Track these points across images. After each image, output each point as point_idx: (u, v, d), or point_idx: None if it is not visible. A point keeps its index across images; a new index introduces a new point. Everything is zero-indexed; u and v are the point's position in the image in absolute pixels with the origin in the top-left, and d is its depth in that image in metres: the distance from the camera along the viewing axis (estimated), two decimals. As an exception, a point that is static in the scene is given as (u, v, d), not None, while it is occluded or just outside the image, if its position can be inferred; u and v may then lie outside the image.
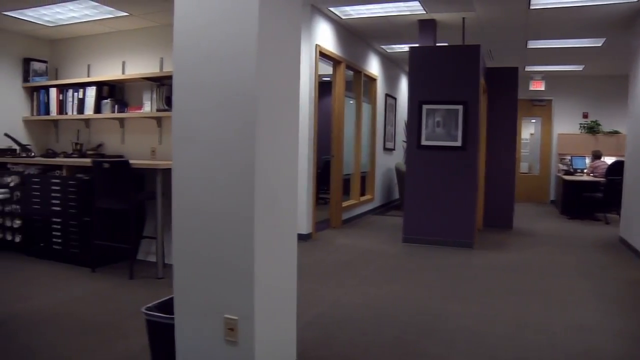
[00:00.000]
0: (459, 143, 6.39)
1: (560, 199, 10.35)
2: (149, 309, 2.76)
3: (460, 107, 6.36)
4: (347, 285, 4.71)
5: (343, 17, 7.04)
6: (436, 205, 6.57)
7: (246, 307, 2.34)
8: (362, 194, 9.28)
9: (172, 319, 2.60)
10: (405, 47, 8.78)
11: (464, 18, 6.81)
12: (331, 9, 6.66)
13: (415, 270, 5.33)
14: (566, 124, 11.75)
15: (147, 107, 5.71)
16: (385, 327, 3.63)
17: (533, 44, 8.29)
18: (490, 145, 8.12)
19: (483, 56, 6.88)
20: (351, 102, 8.65)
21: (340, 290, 4.54)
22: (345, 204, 8.24)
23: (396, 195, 11.15)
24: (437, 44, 7.17)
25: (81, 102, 6.14)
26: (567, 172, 10.34)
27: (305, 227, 6.66)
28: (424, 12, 6.63)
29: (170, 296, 2.72)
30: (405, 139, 11.05)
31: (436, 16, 6.83)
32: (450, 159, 6.45)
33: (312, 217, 6.84)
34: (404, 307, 4.10)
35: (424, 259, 5.87)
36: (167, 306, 2.77)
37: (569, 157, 10.94)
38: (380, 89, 9.77)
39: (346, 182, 8.46)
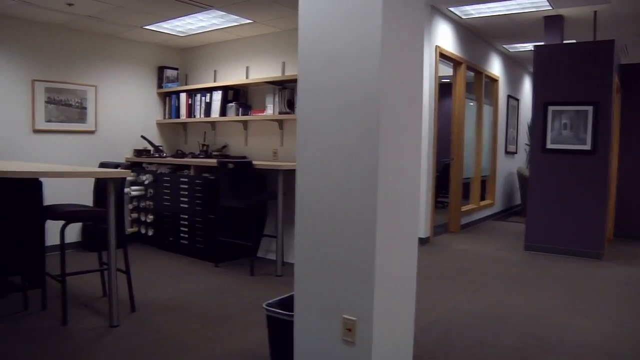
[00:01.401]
0: (588, 146, 6.02)
1: None
2: (269, 305, 2.86)
3: (590, 108, 5.98)
4: (465, 292, 4.59)
5: (463, 17, 6.88)
6: (562, 211, 6.23)
7: (365, 309, 2.35)
8: (482, 198, 9.01)
9: (292, 316, 2.66)
10: (529, 46, 8.42)
11: (595, 12, 6.39)
12: (451, 9, 6.53)
13: (537, 279, 5.09)
14: None
15: (270, 110, 5.91)
16: (505, 337, 3.50)
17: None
18: (623, 148, 7.56)
19: (617, 52, 6.42)
20: (471, 103, 8.42)
21: (458, 297, 4.44)
22: (464, 208, 8.04)
23: (518, 201, 10.70)
24: (565, 42, 6.80)
25: (208, 106, 6.49)
26: None
27: (423, 230, 6.57)
28: (550, 8, 6.31)
29: (291, 293, 2.79)
30: (528, 142, 10.59)
31: (564, 11, 6.47)
32: (578, 163, 6.10)
33: (431, 221, 6.74)
34: (525, 317, 3.93)
35: (547, 268, 5.58)
36: (287, 303, 2.85)
37: None
38: (502, 90, 9.42)
39: (466, 186, 8.25)
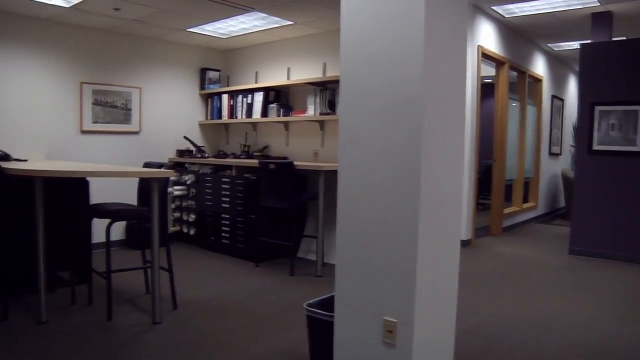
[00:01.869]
0: (637, 148, 5.84)
1: None
2: (310, 305, 2.87)
3: None
4: (507, 296, 4.51)
5: (506, 16, 6.77)
6: (609, 215, 6.06)
7: (406, 311, 2.33)
8: (525, 200, 8.84)
9: (332, 316, 2.67)
10: (575, 45, 8.22)
11: (646, 8, 6.18)
12: (494, 7, 6.43)
13: (583, 285, 4.96)
14: None
15: (311, 111, 5.93)
16: (548, 343, 3.42)
17: None
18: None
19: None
20: (514, 104, 8.27)
21: (500, 300, 4.37)
22: (506, 210, 7.90)
23: (562, 203, 10.47)
24: (614, 39, 6.61)
25: (249, 107, 6.55)
26: None
27: (464, 232, 6.49)
28: (598, 4, 6.13)
29: (331, 294, 2.80)
30: (573, 144, 10.35)
31: (613, 7, 6.28)
32: (627, 165, 5.92)
33: (472, 223, 6.65)
34: (570, 323, 3.83)
35: (593, 273, 5.43)
36: (327, 304, 2.86)
37: None
38: (546, 90, 9.23)
39: (508, 188, 8.12)
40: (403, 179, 2.31)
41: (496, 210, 7.58)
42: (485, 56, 6.81)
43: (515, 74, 8.10)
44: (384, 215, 2.39)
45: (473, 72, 6.43)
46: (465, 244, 6.50)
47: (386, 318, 2.41)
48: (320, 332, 2.77)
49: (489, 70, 7.78)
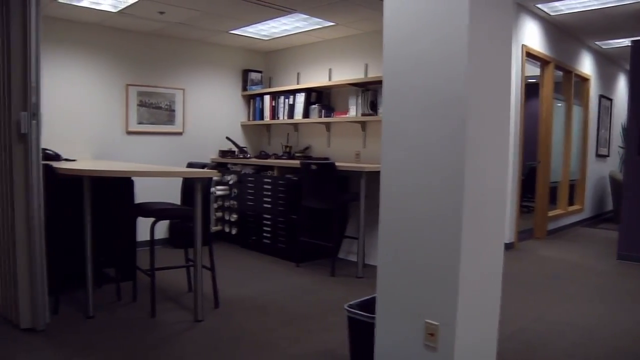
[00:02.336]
0: (690, 149, 5.64)
1: None
2: (351, 306, 2.86)
3: (692, 109, 5.61)
4: (551, 301, 4.41)
5: (552, 14, 6.62)
6: (660, 218, 5.87)
7: (448, 314, 2.31)
8: (571, 203, 8.64)
9: (373, 318, 2.66)
10: (625, 42, 7.97)
11: None
12: (539, 5, 6.29)
13: (632, 291, 4.80)
14: None
15: (352, 112, 5.93)
16: (594, 351, 3.33)
17: None
18: None
19: None
20: (559, 104, 8.09)
21: (544, 306, 4.27)
22: (551, 213, 7.73)
23: (610, 207, 10.17)
24: (666, 37, 6.39)
25: (291, 108, 6.59)
26: None
27: (507, 235, 6.38)
28: (652, 0, 5.92)
29: (372, 295, 2.79)
30: (622, 145, 10.05)
31: (667, 4, 6.06)
32: (679, 167, 5.72)
33: (515, 226, 6.53)
34: (617, 331, 3.71)
35: (643, 277, 5.27)
36: (368, 305, 2.85)
37: None
38: (594, 89, 8.99)
39: (553, 190, 7.94)
40: (447, 180, 2.29)
41: (540, 213, 7.42)
42: (530, 55, 6.68)
43: (560, 73, 7.92)
44: (427, 217, 2.37)
45: (517, 72, 6.31)
46: (508, 247, 6.39)
47: (428, 320, 2.39)
48: (361, 333, 2.77)
49: (533, 70, 7.62)
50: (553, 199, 8.08)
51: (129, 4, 5.01)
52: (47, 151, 4.60)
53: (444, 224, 2.31)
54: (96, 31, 5.83)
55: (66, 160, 4.85)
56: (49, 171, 3.69)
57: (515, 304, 4.25)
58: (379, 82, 5.36)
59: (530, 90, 7.63)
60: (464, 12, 2.20)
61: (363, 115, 5.78)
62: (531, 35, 6.60)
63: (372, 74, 5.90)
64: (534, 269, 5.55)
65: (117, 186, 4.46)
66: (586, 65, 8.53)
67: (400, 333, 2.52)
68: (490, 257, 2.52)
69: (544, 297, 4.50)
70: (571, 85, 8.04)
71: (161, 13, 5.33)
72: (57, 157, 4.74)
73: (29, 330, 3.40)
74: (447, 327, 2.32)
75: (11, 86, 3.31)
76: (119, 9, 5.18)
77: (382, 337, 2.61)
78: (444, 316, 2.32)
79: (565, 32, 7.57)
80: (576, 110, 8.44)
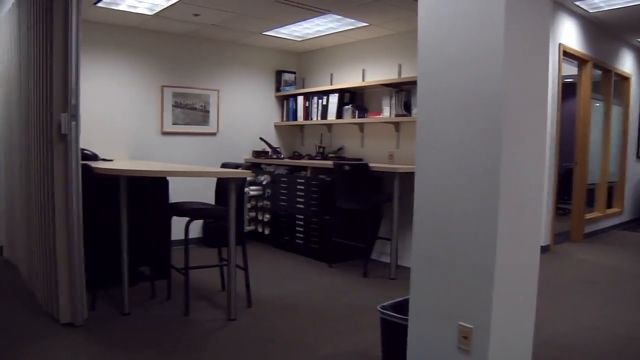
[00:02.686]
0: None
1: None
2: (384, 307, 2.85)
3: None
4: (588, 306, 4.31)
5: (591, 11, 6.46)
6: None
7: (482, 317, 2.28)
8: (609, 206, 8.43)
9: (406, 320, 2.64)
10: (669, 40, 7.75)
11: None
12: (577, 3, 6.15)
13: (674, 294, 4.68)
14: None
15: (386, 113, 5.90)
16: (632, 359, 3.25)
17: None
18: None
19: None
20: (597, 104, 7.91)
21: (580, 311, 4.18)
22: (588, 216, 7.57)
23: (650, 209, 9.91)
24: None
25: (324, 109, 6.60)
26: None
27: (543, 238, 6.27)
28: (698, -8, 5.70)
29: (405, 297, 2.77)
30: (663, 146, 9.77)
31: None
32: None
33: (551, 228, 6.41)
34: (659, 335, 3.62)
35: (686, 283, 5.12)
36: (401, 306, 2.83)
37: None
38: (635, 89, 8.76)
39: (590, 192, 7.77)
40: (482, 181, 2.26)
41: (577, 215, 7.27)
42: (567, 54, 6.55)
43: (599, 72, 7.74)
44: (462, 218, 2.35)
45: (554, 71, 6.20)
46: (543, 249, 6.28)
47: (461, 323, 2.36)
48: (394, 335, 2.76)
49: (570, 70, 7.47)
50: (590, 202, 7.91)
51: (165, 6, 5.09)
52: (85, 151, 4.70)
53: (479, 226, 2.28)
54: (132, 34, 5.94)
55: (103, 160, 4.95)
56: (87, 171, 3.77)
57: (551, 308, 4.17)
58: (413, 83, 5.33)
59: (568, 90, 7.49)
60: (499, 10, 2.17)
61: (397, 115, 5.75)
62: (568, 33, 6.47)
63: (406, 74, 5.87)
64: (571, 272, 5.44)
65: (153, 186, 4.53)
66: (627, 64, 8.32)
67: (433, 335, 2.50)
68: (526, 260, 2.48)
69: (581, 302, 4.41)
70: (610, 84, 7.85)
71: (196, 15, 5.40)
72: (94, 157, 4.84)
73: (68, 325, 3.48)
74: (481, 330, 2.29)
75: (52, 88, 3.40)
76: (155, 11, 5.27)
77: (415, 339, 2.60)
78: (478, 319, 2.30)
79: (605, 30, 7.39)
80: (615, 110, 8.25)
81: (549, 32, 6.03)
